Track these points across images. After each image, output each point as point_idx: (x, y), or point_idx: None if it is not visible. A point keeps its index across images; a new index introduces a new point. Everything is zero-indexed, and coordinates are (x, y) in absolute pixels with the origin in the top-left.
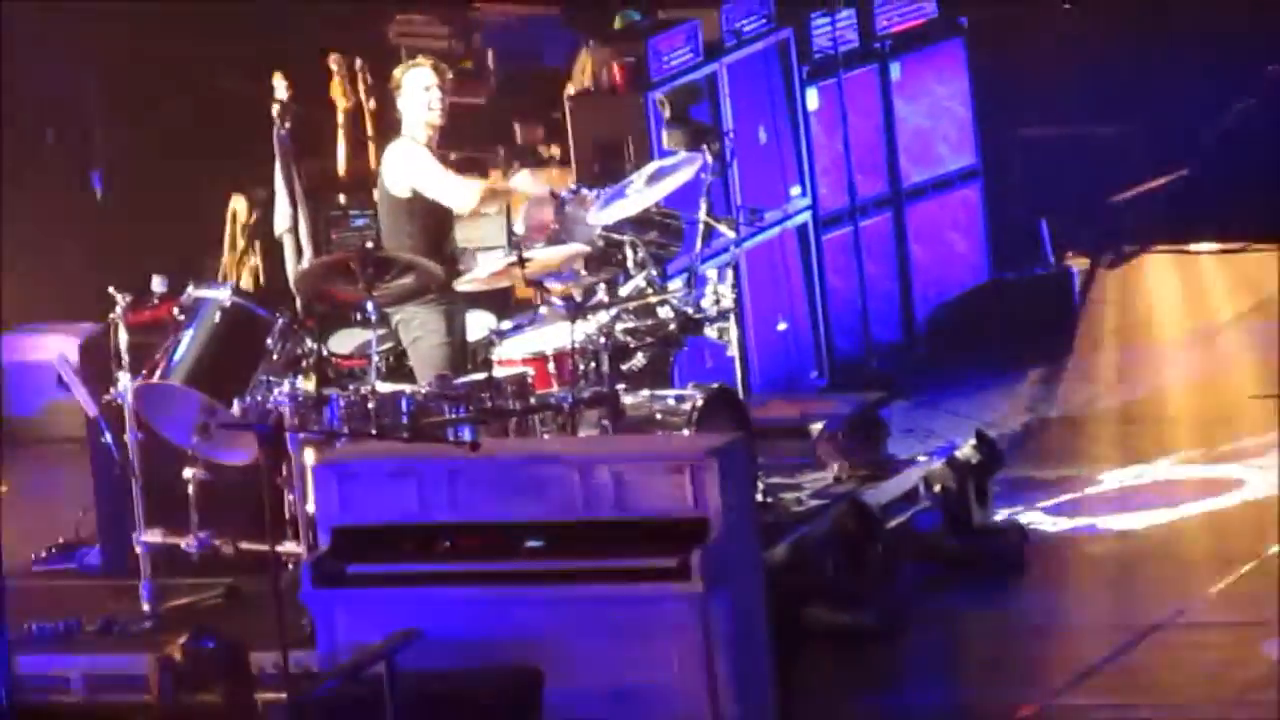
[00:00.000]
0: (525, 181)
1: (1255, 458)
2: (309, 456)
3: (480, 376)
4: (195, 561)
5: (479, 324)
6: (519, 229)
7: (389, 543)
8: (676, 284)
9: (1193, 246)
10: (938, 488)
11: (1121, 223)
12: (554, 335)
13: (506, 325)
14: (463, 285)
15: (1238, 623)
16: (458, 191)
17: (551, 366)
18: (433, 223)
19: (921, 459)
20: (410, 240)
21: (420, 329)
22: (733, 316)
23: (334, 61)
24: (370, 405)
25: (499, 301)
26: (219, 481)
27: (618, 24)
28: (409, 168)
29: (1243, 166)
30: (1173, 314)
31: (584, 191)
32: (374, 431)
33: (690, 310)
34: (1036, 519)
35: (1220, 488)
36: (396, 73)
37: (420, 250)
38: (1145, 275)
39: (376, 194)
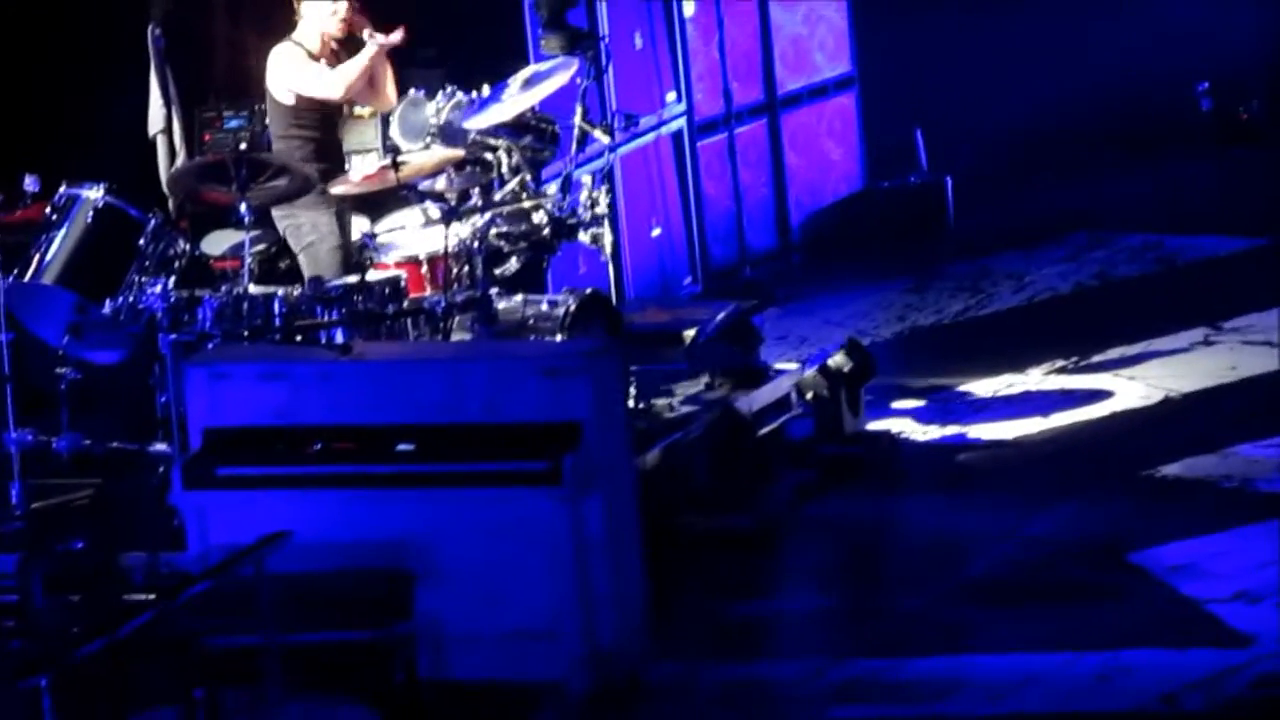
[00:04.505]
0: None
1: (1125, 368)
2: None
3: (353, 280)
4: (65, 461)
5: (353, 227)
6: (394, 132)
7: (260, 445)
8: (551, 189)
9: None
10: (810, 395)
11: None
12: (428, 239)
13: (380, 229)
14: (336, 188)
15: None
16: (324, 80)
17: (425, 270)
18: (321, 127)
19: (794, 366)
20: (299, 145)
21: (313, 233)
22: (607, 222)
23: None
24: (243, 307)
25: (373, 205)
26: (89, 381)
27: None
28: (284, 71)
29: None
30: None
31: (459, 94)
32: (246, 333)
33: (564, 215)
34: (908, 427)
35: (1090, 398)
36: None
37: (310, 155)
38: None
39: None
